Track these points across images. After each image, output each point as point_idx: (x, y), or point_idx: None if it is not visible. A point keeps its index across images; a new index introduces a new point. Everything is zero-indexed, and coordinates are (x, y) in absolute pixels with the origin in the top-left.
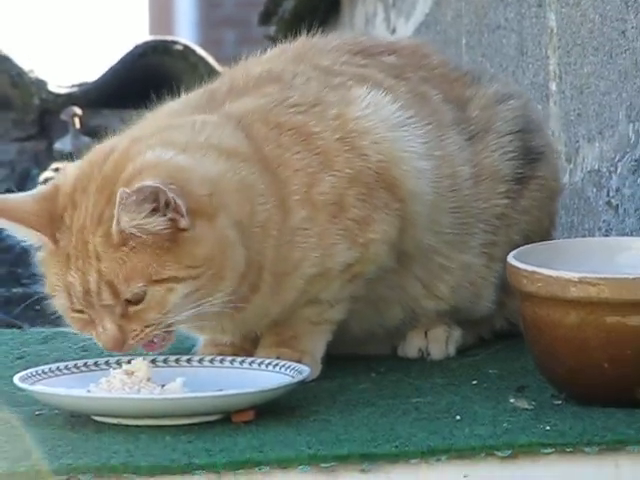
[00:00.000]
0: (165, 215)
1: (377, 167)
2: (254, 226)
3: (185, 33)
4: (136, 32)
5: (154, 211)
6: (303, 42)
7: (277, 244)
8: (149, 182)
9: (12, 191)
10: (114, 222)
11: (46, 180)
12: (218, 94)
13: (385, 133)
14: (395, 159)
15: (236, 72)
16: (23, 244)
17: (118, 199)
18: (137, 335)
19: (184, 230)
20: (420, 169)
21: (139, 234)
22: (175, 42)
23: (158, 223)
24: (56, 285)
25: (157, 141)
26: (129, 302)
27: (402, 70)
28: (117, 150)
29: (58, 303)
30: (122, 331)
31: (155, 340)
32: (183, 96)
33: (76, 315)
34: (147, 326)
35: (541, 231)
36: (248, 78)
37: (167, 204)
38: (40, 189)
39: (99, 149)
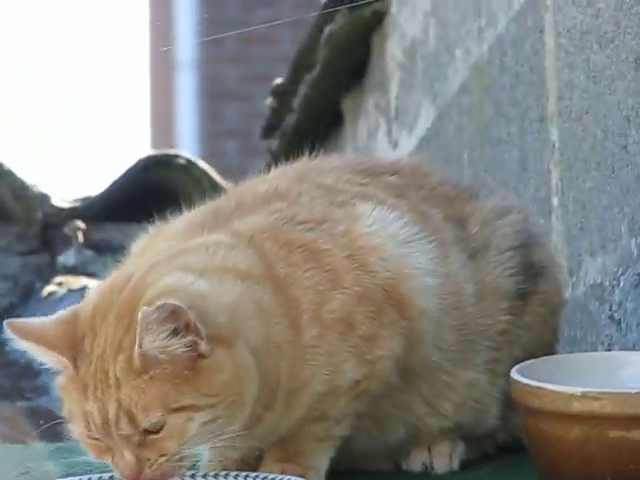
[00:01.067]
0: (185, 337)
1: (385, 284)
2: (270, 347)
3: (187, 145)
4: (138, 145)
5: (175, 332)
6: (305, 162)
7: (290, 362)
8: (170, 300)
9: (15, 305)
10: (136, 345)
11: (50, 294)
12: (224, 212)
13: (393, 250)
14: (403, 276)
15: (242, 190)
16: (27, 358)
17: (140, 318)
18: (152, 464)
19: (203, 357)
20: (427, 286)
21: (161, 356)
22: (177, 156)
23: (180, 345)
24: (74, 412)
25: (175, 266)
26: (147, 431)
27: (403, 190)
28: (135, 277)
29: (75, 429)
30: (140, 460)
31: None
32: (186, 214)
33: (93, 442)
34: (163, 455)
35: (544, 346)
36: (255, 196)
37: (187, 326)
38: (60, 314)
39: (118, 275)
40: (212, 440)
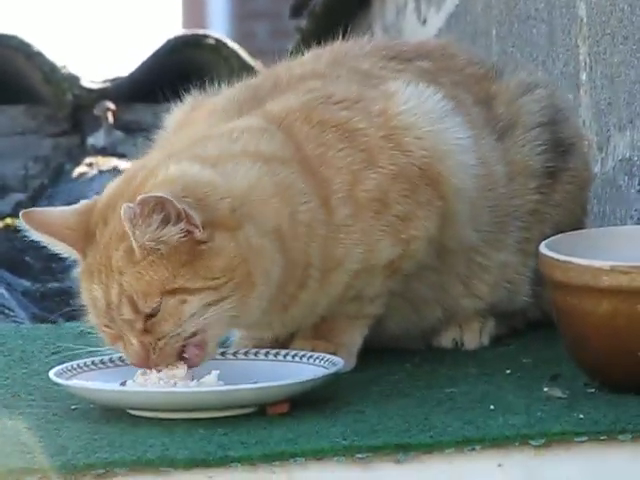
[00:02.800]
0: (177, 225)
1: (421, 163)
2: (297, 226)
3: (218, 26)
4: (169, 26)
5: (166, 222)
6: (338, 46)
7: (322, 242)
8: (153, 193)
9: (46, 186)
10: (131, 238)
11: (80, 175)
12: (261, 91)
13: (429, 127)
14: (439, 154)
15: (279, 70)
16: None
17: (122, 214)
18: (155, 349)
19: (202, 242)
20: (464, 163)
21: (157, 245)
22: (207, 36)
23: (173, 233)
24: (85, 299)
25: (186, 156)
26: (149, 316)
27: (436, 75)
28: (148, 167)
29: (89, 318)
30: (144, 346)
31: (187, 355)
32: (224, 91)
33: (106, 330)
34: (160, 338)
35: (573, 222)
36: (291, 77)
37: (178, 215)
38: (78, 205)
39: (134, 165)
40: (222, 319)
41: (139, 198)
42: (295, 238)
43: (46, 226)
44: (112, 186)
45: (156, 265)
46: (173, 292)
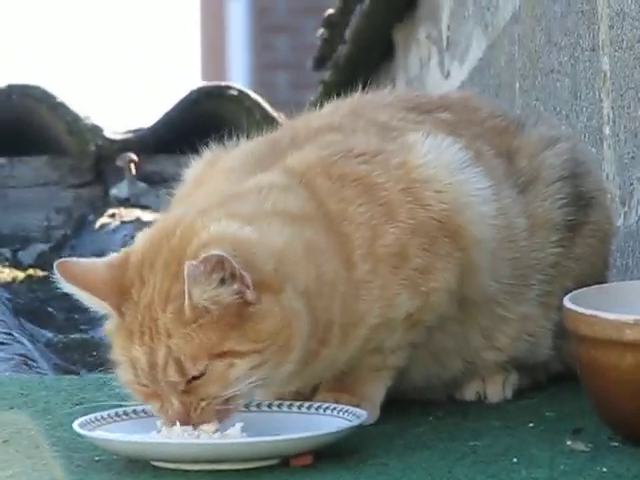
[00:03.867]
0: (232, 286)
1: (440, 216)
2: (322, 286)
3: (237, 77)
4: (189, 77)
5: (223, 281)
6: (358, 98)
7: (343, 298)
8: (214, 251)
9: (68, 237)
10: (186, 297)
11: (102, 226)
12: (280, 144)
13: (448, 179)
14: (458, 206)
15: (297, 123)
16: None
17: (186, 272)
18: (196, 409)
19: (250, 304)
20: (484, 214)
21: (210, 306)
22: (229, 87)
23: (228, 294)
24: (121, 358)
25: (223, 213)
26: (193, 378)
27: (456, 127)
28: (183, 223)
29: (122, 375)
30: (185, 406)
31: (220, 412)
32: (242, 144)
33: (139, 388)
34: (204, 399)
35: (595, 275)
36: (309, 129)
37: (233, 275)
38: (111, 257)
39: (167, 221)
40: (259, 383)
41: (202, 257)
42: (320, 297)
43: (80, 278)
44: (144, 240)
45: (206, 328)
46: (221, 355)
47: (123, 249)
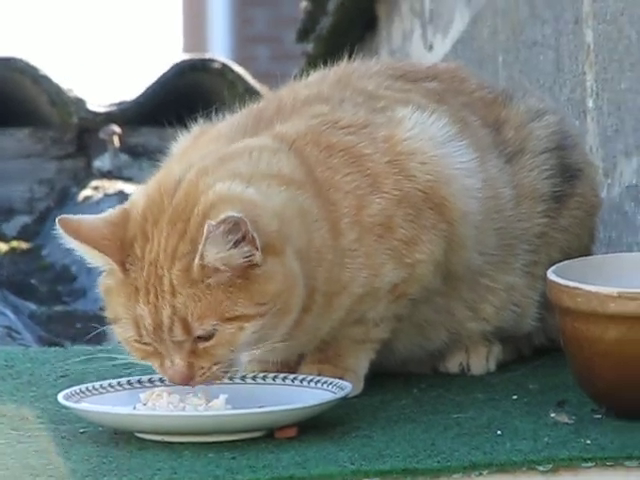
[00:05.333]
0: (244, 248)
1: (425, 187)
2: (310, 252)
3: (218, 49)
4: (170, 50)
5: (236, 243)
6: (344, 67)
7: (329, 266)
8: (233, 213)
9: (51, 209)
10: (197, 256)
11: (86, 198)
12: (265, 114)
13: (433, 152)
14: (444, 178)
15: (283, 94)
16: (64, 262)
17: (206, 232)
18: (204, 373)
19: (256, 266)
20: (468, 187)
21: (221, 267)
22: (213, 60)
23: (239, 255)
24: (123, 315)
25: (224, 173)
26: (199, 338)
27: (443, 95)
28: (185, 181)
29: (121, 332)
30: (190, 367)
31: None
32: (228, 117)
33: (139, 345)
34: (215, 363)
35: (581, 247)
36: (296, 100)
37: (244, 236)
38: (109, 214)
39: (167, 178)
40: (258, 347)
41: (222, 217)
42: (307, 263)
43: (82, 234)
44: (143, 197)
45: (214, 289)
46: (233, 319)
47: (119, 206)
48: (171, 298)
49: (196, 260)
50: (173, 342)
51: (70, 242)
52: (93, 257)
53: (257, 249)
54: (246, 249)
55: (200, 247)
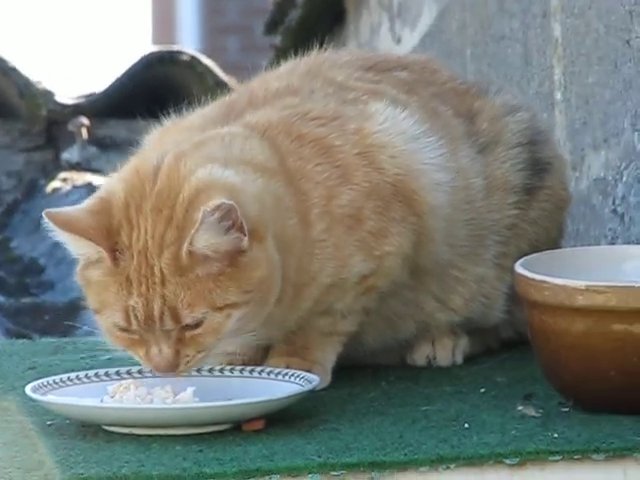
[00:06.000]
0: (232, 234)
1: (394, 180)
2: (284, 240)
3: (187, 41)
4: (139, 41)
5: (227, 230)
6: (315, 57)
7: (299, 256)
8: (225, 200)
9: (19, 201)
10: (186, 242)
11: (54, 190)
12: (237, 106)
13: (403, 146)
14: (413, 172)
15: (253, 85)
16: (31, 254)
17: (201, 218)
18: (189, 360)
19: (243, 252)
20: (438, 182)
21: (210, 254)
22: (181, 52)
23: (229, 242)
24: (109, 304)
25: (201, 158)
26: (187, 326)
27: (413, 86)
28: (165, 166)
29: (106, 320)
30: (176, 355)
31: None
32: (199, 110)
33: (123, 334)
34: (200, 351)
35: (549, 241)
36: (267, 91)
37: (234, 223)
38: (89, 204)
39: (144, 163)
40: (238, 335)
41: (215, 204)
42: (281, 251)
43: (72, 225)
44: (122, 184)
45: (203, 277)
46: (222, 308)
47: (96, 194)
48: (161, 288)
49: (184, 247)
50: (162, 331)
51: (60, 234)
52: (81, 247)
53: (245, 235)
54: (235, 236)
55: (192, 233)
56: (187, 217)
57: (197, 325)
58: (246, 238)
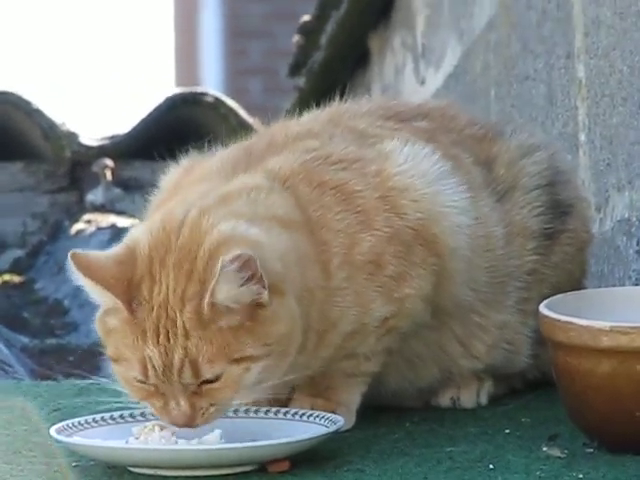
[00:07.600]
0: (253, 287)
1: (416, 225)
2: (305, 292)
3: (211, 82)
4: (163, 83)
5: (247, 281)
6: (336, 107)
7: (320, 305)
8: (244, 251)
9: (44, 243)
10: (207, 294)
11: (78, 232)
12: (256, 150)
13: (424, 189)
14: (434, 215)
15: (274, 130)
16: (56, 295)
17: (219, 268)
18: (204, 414)
19: (263, 306)
20: (459, 224)
21: (231, 306)
22: (205, 94)
23: (249, 294)
24: (128, 355)
25: (226, 213)
26: (205, 380)
27: (433, 134)
28: (189, 221)
29: (123, 371)
30: (193, 408)
31: None
32: (218, 152)
33: (140, 385)
34: (214, 404)
35: (572, 282)
36: (287, 136)
37: (254, 275)
38: (116, 252)
39: (169, 217)
40: (259, 389)
41: (234, 254)
42: (302, 303)
43: (93, 272)
44: (148, 237)
45: (224, 330)
46: (239, 360)
47: (123, 242)
48: (183, 340)
49: (206, 298)
50: (181, 384)
51: (79, 278)
52: (100, 295)
53: (265, 288)
54: (255, 288)
55: (212, 284)
56: (207, 270)
57: (216, 379)
58: (266, 291)
